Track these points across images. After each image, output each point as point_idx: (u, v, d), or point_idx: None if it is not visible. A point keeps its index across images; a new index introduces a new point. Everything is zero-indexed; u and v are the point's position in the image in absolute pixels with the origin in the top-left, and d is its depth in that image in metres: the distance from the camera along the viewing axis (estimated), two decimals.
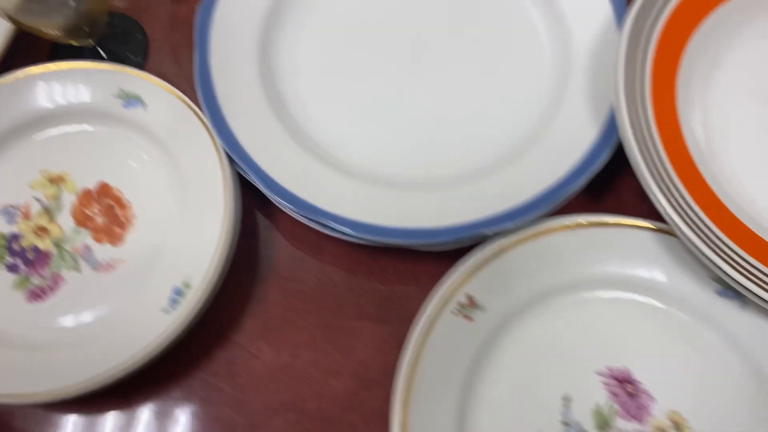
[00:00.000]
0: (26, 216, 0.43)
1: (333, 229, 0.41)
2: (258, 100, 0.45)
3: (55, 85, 0.45)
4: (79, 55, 0.50)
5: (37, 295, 0.41)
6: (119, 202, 0.44)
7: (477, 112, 0.46)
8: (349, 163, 0.44)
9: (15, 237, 0.43)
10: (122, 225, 0.43)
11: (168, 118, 0.44)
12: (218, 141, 0.42)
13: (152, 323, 0.39)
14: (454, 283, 0.39)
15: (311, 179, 0.42)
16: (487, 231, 0.40)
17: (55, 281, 0.42)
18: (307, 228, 0.44)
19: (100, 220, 0.43)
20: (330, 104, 0.46)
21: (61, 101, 0.45)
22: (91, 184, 0.44)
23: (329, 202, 0.42)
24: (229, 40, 0.46)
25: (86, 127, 0.46)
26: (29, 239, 0.43)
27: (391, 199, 0.42)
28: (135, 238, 0.43)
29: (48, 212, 0.43)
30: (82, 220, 0.43)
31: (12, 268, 0.42)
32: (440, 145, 0.45)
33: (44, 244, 0.43)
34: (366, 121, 0.46)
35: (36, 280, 0.42)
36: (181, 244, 0.41)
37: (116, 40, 0.51)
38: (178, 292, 0.40)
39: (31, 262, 0.42)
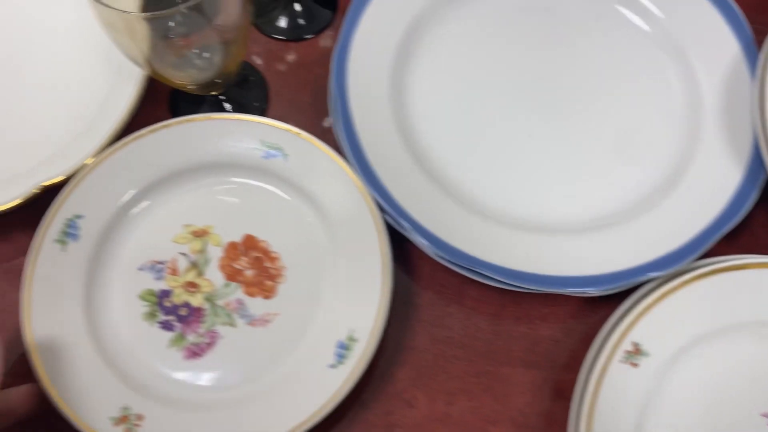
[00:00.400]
0: (174, 272, 0.43)
1: (485, 276, 0.42)
2: (398, 147, 0.45)
3: (192, 139, 0.45)
4: (200, 102, 0.50)
5: (194, 352, 0.41)
6: (267, 254, 0.44)
7: (614, 157, 0.46)
8: (495, 208, 0.44)
9: (165, 293, 0.43)
10: (273, 277, 0.43)
11: (310, 167, 0.44)
12: (369, 191, 0.42)
13: (319, 379, 0.39)
14: (620, 331, 0.39)
15: (462, 228, 0.43)
16: (646, 277, 0.40)
17: (212, 338, 0.42)
18: (447, 273, 0.45)
19: (249, 273, 0.43)
20: (466, 148, 0.46)
21: (199, 155, 0.45)
22: (237, 237, 0.44)
23: (483, 250, 0.42)
24: (364, 88, 0.46)
25: (226, 179, 0.45)
26: (180, 295, 0.42)
27: (542, 244, 0.43)
28: (288, 290, 0.43)
29: (196, 267, 0.43)
30: (231, 274, 0.43)
31: (166, 326, 0.42)
32: (581, 190, 0.45)
33: (196, 300, 0.42)
34: (506, 166, 0.46)
35: (192, 338, 0.41)
36: (339, 295, 0.41)
37: (238, 87, 0.50)
38: (344, 347, 0.40)
39: (184, 318, 0.42)
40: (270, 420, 0.38)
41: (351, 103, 0.45)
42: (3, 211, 0.42)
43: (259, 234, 0.44)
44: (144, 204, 0.44)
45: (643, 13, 0.50)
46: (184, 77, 0.44)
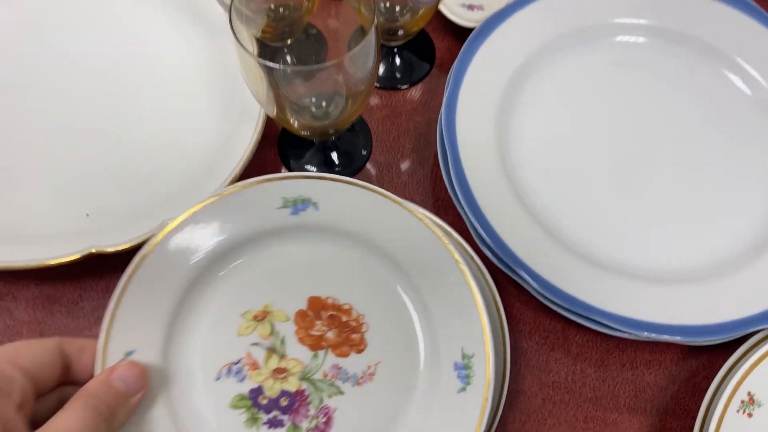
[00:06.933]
0: (254, 366, 0.37)
1: (597, 322, 0.41)
2: (505, 193, 0.44)
3: (209, 223, 0.38)
4: (307, 147, 0.49)
5: None
6: (339, 308, 0.38)
7: (717, 208, 0.46)
8: (600, 254, 0.44)
9: (257, 391, 0.37)
10: (356, 329, 0.38)
11: (342, 206, 0.39)
12: (486, 239, 0.42)
13: (456, 408, 0.36)
14: (735, 380, 0.39)
15: (575, 275, 0.42)
16: (756, 329, 0.40)
17: (326, 414, 0.37)
18: (551, 318, 0.45)
19: (331, 334, 0.38)
20: (570, 195, 0.46)
21: (223, 235, 0.38)
22: (301, 304, 0.39)
23: (592, 295, 0.41)
24: (472, 137, 0.45)
25: (261, 250, 0.40)
26: (273, 387, 0.37)
27: (654, 293, 0.42)
28: (376, 335, 0.38)
29: (274, 351, 0.37)
30: (314, 343, 0.38)
31: (274, 424, 0.36)
32: (685, 240, 0.45)
33: (292, 385, 0.37)
34: (610, 213, 0.45)
35: (306, 423, 0.36)
36: (432, 321, 0.38)
37: (345, 133, 0.50)
38: (463, 366, 0.36)
39: (289, 408, 0.36)
40: None
41: (461, 152, 0.44)
42: (123, 250, 0.41)
43: (321, 292, 0.39)
44: (190, 313, 0.38)
45: (743, 75, 0.50)
46: (303, 126, 0.42)
